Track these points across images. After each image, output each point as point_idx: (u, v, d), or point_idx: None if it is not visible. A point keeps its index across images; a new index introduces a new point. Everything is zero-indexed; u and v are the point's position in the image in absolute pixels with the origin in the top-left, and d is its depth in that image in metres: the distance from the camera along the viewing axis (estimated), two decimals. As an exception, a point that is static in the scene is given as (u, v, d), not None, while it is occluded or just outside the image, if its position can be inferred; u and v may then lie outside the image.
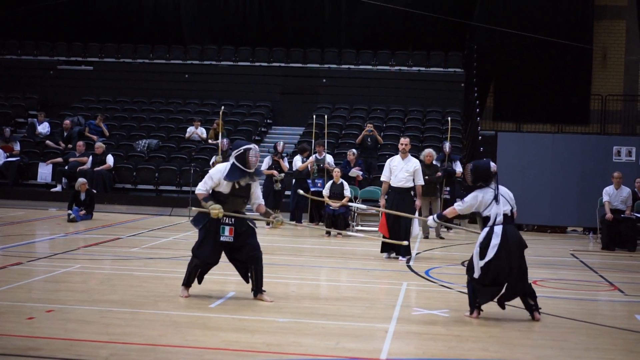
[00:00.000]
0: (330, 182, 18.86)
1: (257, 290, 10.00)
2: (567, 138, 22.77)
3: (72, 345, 7.52)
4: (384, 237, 14.32)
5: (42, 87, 29.56)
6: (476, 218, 9.72)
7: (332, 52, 29.72)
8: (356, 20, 30.45)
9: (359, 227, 19.33)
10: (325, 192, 18.70)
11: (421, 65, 29.08)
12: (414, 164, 14.58)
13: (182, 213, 21.50)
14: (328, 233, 18.21)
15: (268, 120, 28.16)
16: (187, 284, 10.08)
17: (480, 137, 24.17)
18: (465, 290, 9.60)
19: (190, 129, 25.61)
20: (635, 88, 29.99)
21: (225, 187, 9.85)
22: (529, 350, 7.97)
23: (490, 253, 9.20)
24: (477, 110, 25.88)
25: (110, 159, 23.24)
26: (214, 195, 9.92)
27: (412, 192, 14.63)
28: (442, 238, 18.19)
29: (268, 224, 17.62)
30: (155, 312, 9.05)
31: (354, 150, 21.52)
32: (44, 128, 26.24)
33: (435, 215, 10.10)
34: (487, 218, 9.39)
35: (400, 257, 14.30)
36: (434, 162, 19.04)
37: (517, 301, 10.43)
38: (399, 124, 26.77)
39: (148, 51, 30.54)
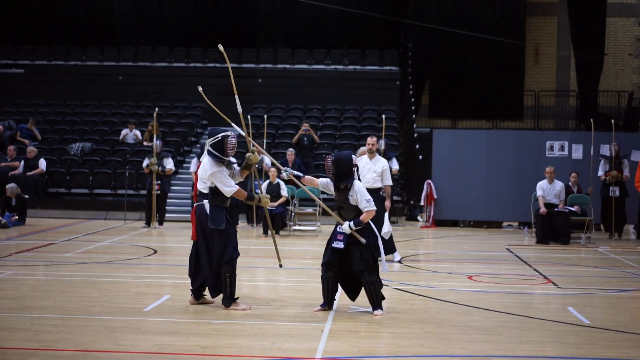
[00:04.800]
0: (267, 182, 18.80)
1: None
2: (501, 134, 23.08)
3: (1, 353, 7.34)
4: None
5: (-28, 91, 28.93)
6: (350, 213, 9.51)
7: (267, 51, 29.64)
8: (291, 19, 30.40)
9: (297, 227, 19.25)
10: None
11: (357, 64, 29.15)
12: (382, 164, 14.09)
13: (117, 217, 21.27)
14: (265, 233, 18.13)
15: (204, 122, 27.95)
16: (232, 296, 9.54)
17: (415, 135, 24.34)
18: (381, 285, 9.57)
19: (125, 131, 25.30)
20: (568, 83, 30.49)
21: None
22: (465, 345, 8.00)
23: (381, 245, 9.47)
24: (413, 107, 26.07)
25: (42, 163, 22.81)
26: (212, 192, 9.36)
27: (381, 192, 14.17)
28: None
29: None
30: (87, 318, 8.88)
31: (291, 149, 21.48)
32: (-27, 133, 25.70)
33: (351, 222, 9.39)
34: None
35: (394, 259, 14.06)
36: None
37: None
38: (336, 122, 26.82)
39: (80, 53, 30.06)
